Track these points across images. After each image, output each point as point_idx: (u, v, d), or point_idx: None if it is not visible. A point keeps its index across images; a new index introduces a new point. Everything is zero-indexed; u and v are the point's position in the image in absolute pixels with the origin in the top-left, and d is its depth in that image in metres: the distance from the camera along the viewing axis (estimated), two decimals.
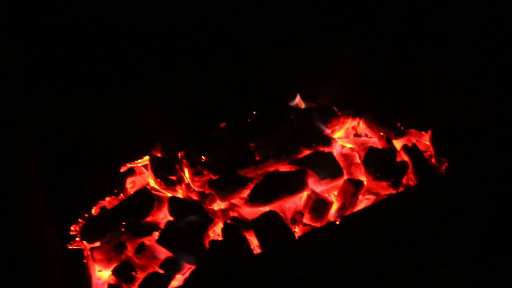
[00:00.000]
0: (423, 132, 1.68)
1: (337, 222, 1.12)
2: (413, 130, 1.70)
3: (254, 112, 1.69)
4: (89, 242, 1.30)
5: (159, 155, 1.56)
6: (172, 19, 1.57)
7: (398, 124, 1.71)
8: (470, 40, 1.65)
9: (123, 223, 1.30)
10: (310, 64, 1.81)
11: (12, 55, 1.25)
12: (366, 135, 1.75)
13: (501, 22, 1.56)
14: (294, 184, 1.40)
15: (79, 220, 1.41)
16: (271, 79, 1.77)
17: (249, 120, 1.62)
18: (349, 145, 1.68)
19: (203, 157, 1.47)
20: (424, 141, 1.69)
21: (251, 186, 1.39)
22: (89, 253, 1.29)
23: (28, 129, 1.51)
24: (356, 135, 1.76)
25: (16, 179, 1.35)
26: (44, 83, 1.55)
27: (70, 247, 1.32)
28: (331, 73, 1.83)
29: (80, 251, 1.28)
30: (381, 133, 1.65)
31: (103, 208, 1.46)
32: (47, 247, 1.27)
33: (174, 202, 1.34)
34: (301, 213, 1.43)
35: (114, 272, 1.23)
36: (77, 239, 1.33)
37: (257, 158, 1.49)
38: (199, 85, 1.66)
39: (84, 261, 1.25)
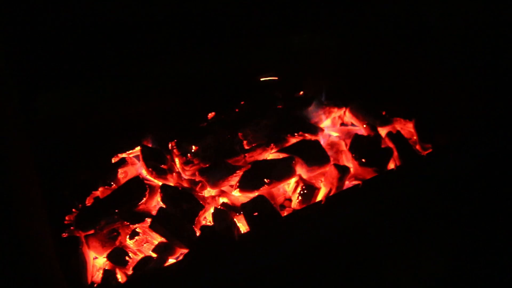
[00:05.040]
0: (408, 120, 1.73)
1: (322, 202, 1.16)
2: (398, 118, 1.75)
3: (242, 102, 1.72)
4: (84, 230, 1.33)
5: (150, 145, 1.59)
6: (161, 13, 1.59)
7: (383, 113, 1.75)
8: (451, 30, 1.69)
9: (116, 211, 1.33)
10: (296, 55, 1.85)
11: (2, 47, 1.26)
12: (352, 124, 1.79)
13: (482, 13, 1.60)
14: (282, 171, 1.44)
15: (73, 210, 1.45)
16: (258, 70, 1.80)
17: (237, 110, 1.66)
18: (335, 134, 1.72)
19: (193, 146, 1.51)
20: (409, 128, 1.74)
21: (240, 173, 1.43)
22: (83, 240, 1.32)
23: (20, 121, 1.53)
24: (343, 124, 1.81)
25: (9, 171, 1.37)
26: (35, 75, 1.56)
27: (65, 236, 1.34)
28: (317, 64, 1.87)
29: (75, 239, 1.31)
30: (367, 122, 1.69)
31: (96, 198, 1.50)
32: (43, 238, 1.29)
33: (165, 190, 1.38)
34: (289, 199, 1.48)
35: (109, 257, 1.26)
36: (72, 228, 1.36)
37: (246, 147, 1.53)
38: (188, 77, 1.69)
39: (80, 247, 1.28)
